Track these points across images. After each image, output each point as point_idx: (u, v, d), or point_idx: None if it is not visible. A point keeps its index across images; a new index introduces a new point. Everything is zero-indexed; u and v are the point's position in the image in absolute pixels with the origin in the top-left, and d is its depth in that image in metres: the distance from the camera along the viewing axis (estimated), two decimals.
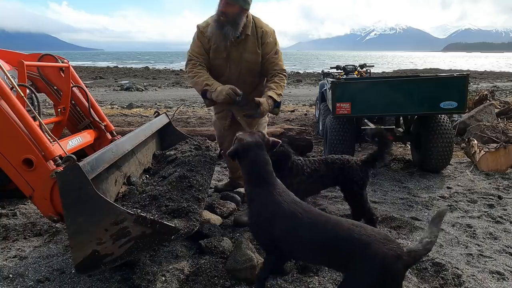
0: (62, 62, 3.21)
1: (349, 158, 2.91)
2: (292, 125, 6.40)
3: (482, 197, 3.81)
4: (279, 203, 1.91)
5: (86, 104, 3.33)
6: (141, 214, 1.93)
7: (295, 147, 5.55)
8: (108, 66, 44.09)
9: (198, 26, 3.09)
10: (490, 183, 4.24)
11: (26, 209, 3.44)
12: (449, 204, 3.62)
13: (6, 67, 2.93)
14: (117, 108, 11.53)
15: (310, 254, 1.88)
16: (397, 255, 1.63)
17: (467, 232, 3.04)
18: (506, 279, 2.37)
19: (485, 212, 3.44)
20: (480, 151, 4.76)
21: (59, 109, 3.23)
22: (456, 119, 6.87)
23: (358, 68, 7.29)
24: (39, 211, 2.43)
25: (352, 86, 4.45)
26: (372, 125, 5.49)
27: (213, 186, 3.93)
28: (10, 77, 2.47)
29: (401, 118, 5.54)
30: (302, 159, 2.88)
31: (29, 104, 2.74)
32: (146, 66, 43.04)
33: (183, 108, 11.04)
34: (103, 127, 3.37)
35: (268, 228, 1.92)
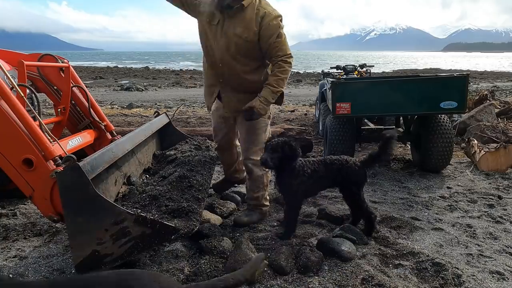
0: (62, 62, 3.21)
1: (348, 159, 2.89)
2: (292, 125, 6.40)
3: (482, 197, 3.81)
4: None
5: (86, 104, 3.33)
6: (141, 214, 1.94)
7: None
8: (108, 66, 44.10)
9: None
10: (490, 183, 4.24)
11: (26, 209, 3.43)
12: (449, 204, 3.62)
13: (6, 67, 2.93)
14: (117, 108, 11.53)
15: None
16: None
17: (467, 232, 3.04)
18: (506, 279, 2.37)
19: (485, 212, 3.44)
20: (480, 151, 4.76)
21: (59, 109, 3.23)
22: (456, 119, 6.87)
23: (358, 68, 7.29)
24: (39, 211, 2.43)
25: (352, 86, 4.45)
26: (372, 125, 5.50)
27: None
28: (10, 77, 2.47)
29: (401, 118, 5.54)
30: (302, 160, 2.85)
31: (29, 104, 2.74)
32: (146, 66, 43.05)
33: (183, 108, 11.04)
34: (103, 127, 3.38)
35: None
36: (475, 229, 3.08)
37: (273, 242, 2.78)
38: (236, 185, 3.86)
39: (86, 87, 3.48)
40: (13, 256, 2.62)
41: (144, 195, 2.43)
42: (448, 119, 4.54)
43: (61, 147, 2.39)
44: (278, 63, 2.79)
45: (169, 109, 10.64)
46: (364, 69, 7.49)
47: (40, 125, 2.37)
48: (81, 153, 3.05)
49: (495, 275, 2.40)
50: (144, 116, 9.21)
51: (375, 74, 13.82)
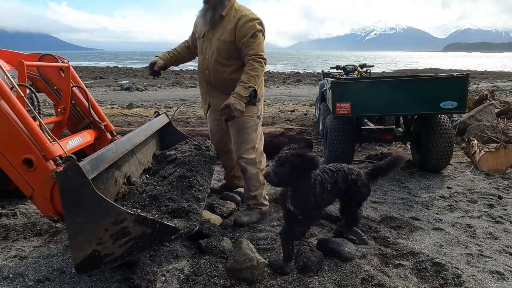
0: (62, 62, 3.21)
1: (360, 171, 2.78)
2: (292, 125, 6.40)
3: (482, 197, 3.81)
4: None
5: (86, 104, 3.33)
6: (141, 214, 1.94)
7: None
8: (108, 66, 44.09)
9: (196, 15, 3.23)
10: (490, 183, 4.24)
11: (26, 209, 3.44)
12: (449, 204, 3.62)
13: (6, 67, 2.93)
14: (117, 108, 11.53)
15: None
16: None
17: (467, 232, 3.04)
18: (506, 279, 2.37)
19: (485, 212, 3.44)
20: (480, 151, 4.76)
21: (59, 109, 3.23)
22: (456, 119, 6.87)
23: (358, 68, 7.29)
24: (39, 211, 2.43)
25: (352, 86, 4.45)
26: (372, 125, 5.50)
27: (213, 186, 3.93)
28: (10, 77, 2.47)
29: (401, 118, 5.55)
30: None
31: (29, 104, 2.74)
32: (146, 66, 43.03)
33: (183, 108, 11.04)
34: (103, 127, 3.37)
35: None
36: (475, 229, 3.08)
37: (273, 242, 2.78)
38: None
39: (86, 87, 3.48)
40: (13, 256, 2.62)
41: (144, 195, 2.43)
42: (448, 119, 4.54)
43: (61, 147, 2.39)
44: (249, 61, 2.89)
45: (169, 109, 10.64)
46: (364, 69, 7.50)
47: (40, 125, 2.36)
48: (81, 153, 3.05)
49: (495, 275, 2.40)
50: (144, 116, 9.21)
51: (375, 74, 13.82)
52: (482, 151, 4.71)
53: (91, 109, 3.33)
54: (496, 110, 7.32)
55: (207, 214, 3.10)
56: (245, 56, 2.92)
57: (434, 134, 4.42)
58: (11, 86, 2.38)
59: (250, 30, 2.88)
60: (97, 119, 3.37)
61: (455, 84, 4.21)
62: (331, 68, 7.73)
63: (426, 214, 3.38)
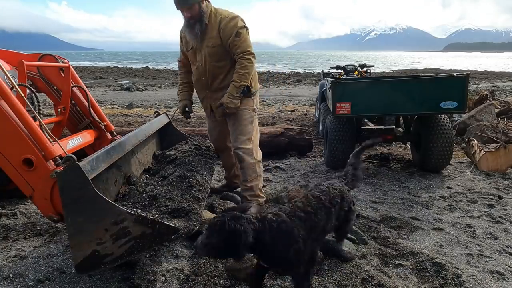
0: (62, 62, 3.21)
1: (343, 188, 2.32)
2: (292, 125, 6.40)
3: (482, 197, 3.81)
4: None
5: (86, 104, 3.32)
6: (141, 214, 1.94)
7: (295, 146, 5.58)
8: (108, 66, 44.10)
9: (180, 31, 3.29)
10: (490, 183, 4.24)
11: (26, 209, 3.44)
12: (449, 204, 3.62)
13: (6, 67, 2.92)
14: (117, 108, 11.53)
15: None
16: None
17: (467, 232, 3.04)
18: (506, 279, 2.37)
19: (485, 212, 3.44)
20: (480, 151, 4.76)
21: (59, 109, 3.23)
22: (456, 119, 6.87)
23: (358, 68, 7.29)
24: (39, 211, 2.43)
25: (352, 86, 4.45)
26: (372, 125, 5.50)
27: (213, 186, 3.92)
28: (10, 77, 2.47)
29: (401, 118, 5.55)
30: (285, 216, 1.96)
31: (29, 104, 2.74)
32: (146, 66, 43.05)
33: None
34: (103, 127, 3.37)
35: None
36: (475, 229, 3.08)
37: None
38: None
39: (86, 87, 3.48)
40: (13, 256, 2.62)
41: (144, 195, 2.43)
42: (448, 119, 4.54)
43: (61, 147, 2.39)
44: (238, 60, 3.04)
45: (169, 109, 10.64)
46: (364, 69, 7.50)
47: (40, 125, 2.36)
48: (81, 153, 3.05)
49: (495, 275, 2.40)
50: (144, 116, 9.21)
51: (375, 74, 13.82)
52: (482, 151, 4.71)
53: (91, 109, 3.32)
54: (496, 110, 7.32)
55: (207, 214, 3.09)
56: (234, 55, 3.06)
57: (434, 134, 4.42)
58: (11, 86, 2.38)
59: (233, 29, 3.00)
60: (97, 119, 3.37)
61: (455, 84, 4.21)
62: (331, 68, 7.73)
63: (426, 214, 3.38)
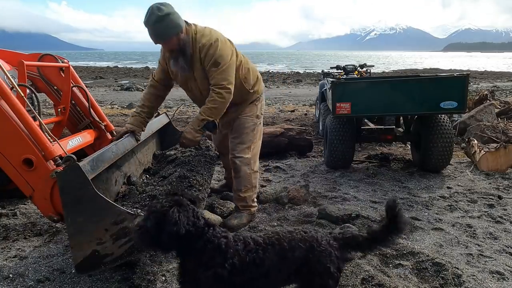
0: (62, 62, 3.21)
1: (320, 237, 1.73)
2: (292, 125, 6.40)
3: (482, 197, 3.80)
4: None
5: (86, 104, 3.33)
6: (141, 214, 1.94)
7: (295, 146, 5.58)
8: (108, 66, 44.09)
9: (161, 50, 2.97)
10: (490, 183, 4.24)
11: (26, 209, 3.44)
12: (449, 204, 3.62)
13: (6, 67, 2.92)
14: (117, 108, 11.52)
15: None
16: None
17: (467, 232, 3.04)
18: (506, 279, 2.37)
19: (485, 212, 3.44)
20: (480, 151, 4.76)
21: (59, 109, 3.23)
22: (456, 119, 6.87)
23: (358, 68, 7.30)
24: (39, 211, 2.43)
25: (352, 86, 4.45)
26: (372, 125, 5.50)
27: (213, 186, 3.92)
28: (10, 77, 2.47)
29: (401, 118, 5.55)
30: (231, 236, 1.69)
31: (29, 104, 2.74)
32: (146, 66, 43.04)
33: (183, 108, 11.04)
34: (103, 127, 3.37)
35: None
36: (475, 229, 3.08)
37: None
38: None
39: (86, 87, 3.48)
40: (13, 256, 2.62)
41: (144, 195, 2.43)
42: (448, 119, 4.54)
43: (61, 147, 2.39)
44: (210, 92, 2.76)
45: (169, 109, 10.64)
46: (364, 69, 7.50)
47: (40, 125, 2.37)
48: (81, 153, 3.05)
49: (495, 275, 2.40)
50: None
51: (375, 74, 13.82)
52: (482, 151, 4.71)
53: (91, 109, 3.33)
54: (496, 110, 7.32)
55: (207, 214, 3.10)
56: (211, 85, 2.78)
57: (434, 134, 4.42)
58: (11, 86, 2.39)
59: (210, 58, 2.70)
60: (97, 119, 3.37)
61: (455, 84, 4.21)
62: (331, 68, 7.73)
63: (426, 214, 3.38)
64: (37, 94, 2.98)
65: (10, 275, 2.36)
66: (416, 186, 4.13)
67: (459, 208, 3.52)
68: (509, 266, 2.51)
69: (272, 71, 35.40)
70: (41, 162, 2.22)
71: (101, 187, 2.38)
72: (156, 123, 3.50)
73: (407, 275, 2.39)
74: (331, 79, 5.16)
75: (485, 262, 2.57)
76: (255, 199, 3.29)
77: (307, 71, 36.81)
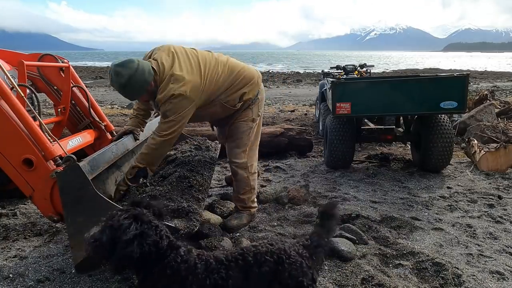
0: (62, 62, 3.21)
1: (288, 248, 1.58)
2: (292, 125, 6.40)
3: (482, 197, 3.80)
4: None
5: (86, 104, 3.33)
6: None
7: (295, 146, 5.58)
8: (108, 66, 44.03)
9: None
10: (490, 183, 4.24)
11: (26, 209, 3.44)
12: (449, 204, 3.62)
13: (6, 67, 2.93)
14: (117, 108, 11.53)
15: None
16: None
17: (467, 232, 3.04)
18: (506, 279, 2.37)
19: (485, 212, 3.43)
20: (480, 151, 4.76)
21: (59, 109, 3.23)
22: (456, 119, 6.87)
23: (358, 68, 7.30)
24: (39, 211, 2.43)
25: (352, 86, 4.45)
26: (372, 125, 5.50)
27: (213, 186, 3.92)
28: (10, 77, 2.47)
29: (401, 118, 5.55)
30: (195, 254, 1.56)
31: (29, 104, 2.74)
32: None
33: None
34: (103, 127, 3.38)
35: None
36: (475, 229, 3.08)
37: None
38: None
39: (86, 87, 3.48)
40: (13, 256, 2.62)
41: (144, 195, 2.43)
42: (448, 119, 4.54)
43: (61, 147, 2.39)
44: (149, 137, 2.72)
45: None
46: (364, 69, 7.50)
47: (40, 125, 2.37)
48: (81, 153, 3.05)
49: (495, 275, 2.40)
50: None
51: (375, 74, 13.82)
52: (482, 151, 4.71)
53: (91, 109, 3.33)
54: (496, 110, 7.32)
55: (207, 214, 3.10)
56: None
57: (434, 134, 4.42)
58: (11, 86, 2.39)
59: (162, 110, 2.60)
60: (97, 119, 3.37)
61: (455, 84, 4.21)
62: (331, 68, 7.74)
63: (426, 214, 3.38)
64: (37, 94, 2.98)
65: (10, 275, 2.36)
66: (416, 186, 4.13)
67: (459, 208, 3.52)
68: (509, 266, 2.51)
69: (272, 71, 35.40)
70: (41, 162, 2.22)
71: (101, 187, 2.38)
72: (156, 123, 3.50)
73: (407, 275, 2.39)
74: (331, 79, 5.16)
75: (485, 262, 2.57)
76: (255, 200, 3.28)
77: (307, 71, 36.81)
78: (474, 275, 2.37)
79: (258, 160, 3.34)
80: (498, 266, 2.50)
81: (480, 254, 2.66)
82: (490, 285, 2.30)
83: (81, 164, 1.99)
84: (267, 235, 2.91)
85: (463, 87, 4.17)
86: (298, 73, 33.69)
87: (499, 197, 3.78)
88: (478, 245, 2.81)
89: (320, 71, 9.09)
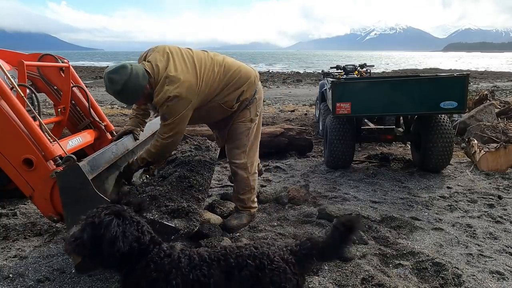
0: (62, 62, 3.21)
1: (272, 253, 1.53)
2: (292, 125, 6.40)
3: (482, 197, 3.80)
4: None
5: (86, 104, 3.33)
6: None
7: (295, 146, 5.58)
8: (108, 66, 44.06)
9: None
10: (490, 183, 4.24)
11: (26, 209, 3.44)
12: (449, 204, 3.62)
13: (6, 67, 2.93)
14: (117, 108, 11.52)
15: None
16: None
17: (467, 232, 3.04)
18: (506, 279, 2.37)
19: (485, 212, 3.44)
20: (480, 151, 4.76)
21: (59, 109, 3.23)
22: (456, 119, 6.87)
23: (358, 68, 7.30)
24: (39, 211, 2.43)
25: (352, 86, 4.45)
26: (372, 125, 5.50)
27: (213, 186, 3.92)
28: (10, 77, 2.47)
29: (401, 118, 5.55)
30: (179, 251, 1.55)
31: (29, 104, 2.74)
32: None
33: None
34: (103, 127, 3.37)
35: None
36: (475, 229, 3.08)
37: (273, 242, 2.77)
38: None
39: (86, 87, 3.48)
40: (13, 256, 2.62)
41: (144, 195, 2.43)
42: (448, 119, 4.54)
43: (61, 147, 2.40)
44: (155, 136, 2.75)
45: None
46: (364, 69, 7.50)
47: (40, 125, 2.37)
48: (81, 153, 3.05)
49: (495, 275, 2.40)
50: None
51: (375, 74, 13.82)
52: (482, 151, 4.71)
53: (91, 109, 3.33)
54: (496, 110, 7.32)
55: (207, 214, 3.10)
56: None
57: (434, 134, 4.42)
58: (11, 86, 2.39)
59: (160, 112, 2.63)
60: (97, 119, 3.37)
61: (455, 84, 4.21)
62: (331, 68, 7.74)
63: (426, 214, 3.38)
64: (37, 94, 2.98)
65: (10, 275, 2.36)
66: (416, 186, 4.13)
67: (459, 208, 3.52)
68: (509, 266, 2.51)
69: (272, 71, 35.39)
70: (41, 162, 2.22)
71: (101, 187, 2.38)
72: (156, 123, 3.50)
73: (407, 275, 2.39)
74: (331, 79, 5.16)
75: (485, 262, 2.57)
76: (255, 200, 3.28)
77: (307, 71, 36.79)
78: (474, 275, 2.38)
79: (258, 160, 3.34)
80: (498, 266, 2.50)
81: (480, 254, 2.66)
82: (490, 285, 2.30)
83: (81, 164, 1.99)
84: (267, 235, 2.91)
85: (463, 87, 4.17)
86: (298, 73, 33.67)
87: (499, 197, 3.78)
88: (478, 245, 2.81)
89: (320, 71, 9.09)
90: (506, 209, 3.50)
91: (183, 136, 3.58)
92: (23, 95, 2.44)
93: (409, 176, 4.49)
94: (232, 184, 3.73)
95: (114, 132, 3.45)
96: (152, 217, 1.96)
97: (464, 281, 2.30)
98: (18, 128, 2.22)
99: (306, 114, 9.60)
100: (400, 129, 5.30)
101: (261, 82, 3.21)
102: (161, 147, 2.68)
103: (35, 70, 3.30)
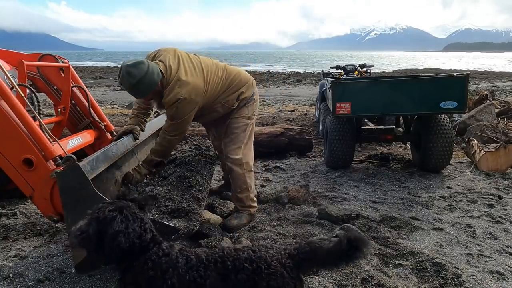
0: (62, 62, 3.21)
1: (270, 257, 1.51)
2: (292, 125, 6.40)
3: (482, 197, 3.80)
4: None
5: (86, 104, 3.33)
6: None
7: (295, 146, 5.58)
8: (108, 66, 44.06)
9: None
10: (490, 183, 4.24)
11: (26, 209, 3.44)
12: (449, 204, 3.62)
13: (6, 67, 2.92)
14: (117, 108, 11.52)
15: None
16: None
17: (467, 232, 3.04)
18: (506, 279, 2.37)
19: (485, 212, 3.44)
20: (480, 151, 4.76)
21: (59, 109, 3.23)
22: (456, 119, 6.87)
23: (358, 68, 7.30)
24: (39, 211, 2.43)
25: (352, 86, 4.45)
26: (372, 125, 5.50)
27: (213, 186, 3.91)
28: (10, 77, 2.47)
29: (401, 118, 5.55)
30: (177, 251, 1.56)
31: (29, 104, 2.74)
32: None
33: None
34: (103, 127, 3.37)
35: None
36: (475, 229, 3.08)
37: (273, 242, 2.78)
38: None
39: (86, 87, 3.48)
40: (13, 256, 2.62)
41: (144, 195, 2.43)
42: (448, 119, 4.54)
43: (61, 147, 2.39)
44: (160, 133, 2.89)
45: None
46: (364, 69, 7.50)
47: (40, 125, 2.37)
48: (81, 153, 3.05)
49: (495, 275, 2.40)
50: None
51: (375, 74, 13.82)
52: (482, 151, 4.71)
53: (91, 109, 3.32)
54: (496, 110, 7.32)
55: (207, 214, 3.10)
56: None
57: (434, 134, 4.42)
58: (11, 86, 2.39)
59: (168, 112, 2.78)
60: (97, 119, 3.37)
61: (455, 84, 4.22)
62: (331, 68, 7.73)
63: (426, 214, 3.38)
64: (37, 94, 2.98)
65: (10, 275, 2.36)
66: (416, 186, 4.13)
67: (459, 208, 3.52)
68: (509, 266, 2.51)
69: (272, 71, 35.38)
70: (41, 162, 2.22)
71: (101, 187, 2.38)
72: (156, 123, 3.50)
73: (407, 275, 2.39)
74: (331, 79, 5.16)
75: (485, 262, 2.57)
76: (255, 199, 3.28)
77: (307, 71, 36.79)
78: (474, 275, 2.38)
79: (258, 160, 3.34)
80: (498, 266, 2.50)
81: (480, 254, 2.66)
82: (490, 285, 2.30)
83: (81, 164, 1.99)
84: (267, 235, 2.91)
85: (463, 87, 4.17)
86: (298, 73, 33.67)
87: (499, 197, 3.78)
88: (478, 245, 2.81)
89: (320, 71, 9.09)
90: (506, 209, 3.50)
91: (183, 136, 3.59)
92: (23, 95, 2.44)
93: (409, 176, 4.49)
94: (221, 191, 3.73)
95: (114, 132, 3.45)
96: (152, 217, 1.96)
97: (464, 281, 2.30)
98: (18, 128, 2.22)
99: (306, 114, 9.60)
100: (400, 129, 5.30)
101: (261, 82, 3.28)
102: (167, 143, 2.84)
103: (35, 70, 3.29)
